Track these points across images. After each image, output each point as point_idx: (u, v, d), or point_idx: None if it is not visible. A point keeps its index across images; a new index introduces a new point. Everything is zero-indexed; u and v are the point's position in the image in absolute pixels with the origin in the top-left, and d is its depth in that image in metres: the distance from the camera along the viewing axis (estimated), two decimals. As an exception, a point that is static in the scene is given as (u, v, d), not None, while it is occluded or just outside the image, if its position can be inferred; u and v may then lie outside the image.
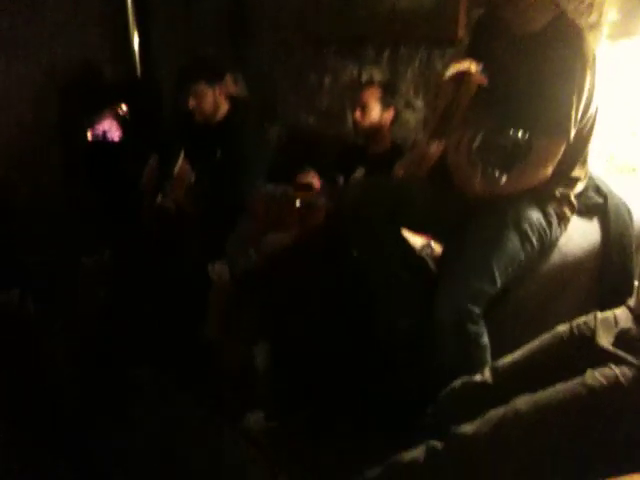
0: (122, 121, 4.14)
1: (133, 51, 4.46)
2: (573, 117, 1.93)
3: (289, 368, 2.37)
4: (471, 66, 2.21)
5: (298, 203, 2.72)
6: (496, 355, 1.89)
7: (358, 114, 2.90)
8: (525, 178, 1.98)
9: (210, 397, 2.47)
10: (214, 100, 3.07)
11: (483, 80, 2.13)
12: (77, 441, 2.21)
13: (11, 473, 1.99)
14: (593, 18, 2.53)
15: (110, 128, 4.17)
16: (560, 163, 2.02)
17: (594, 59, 1.96)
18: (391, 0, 3.27)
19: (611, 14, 2.49)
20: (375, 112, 2.88)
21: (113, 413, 2.36)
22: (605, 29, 2.51)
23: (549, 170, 1.98)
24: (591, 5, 2.53)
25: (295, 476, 2.07)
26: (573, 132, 1.95)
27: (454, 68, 2.25)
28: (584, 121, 2.02)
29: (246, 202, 2.83)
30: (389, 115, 2.91)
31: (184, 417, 2.40)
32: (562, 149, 1.97)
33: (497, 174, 1.71)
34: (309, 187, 2.87)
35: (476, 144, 1.73)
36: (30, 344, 2.57)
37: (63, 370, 2.52)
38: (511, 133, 1.66)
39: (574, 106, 1.92)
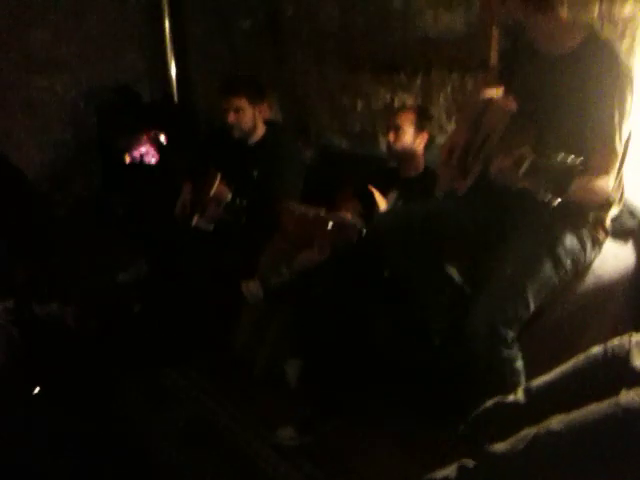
0: (158, 144, 4.23)
1: (171, 76, 4.59)
2: (618, 129, 1.93)
3: (320, 383, 2.39)
4: (496, 92, 2.26)
5: (330, 225, 2.75)
6: (530, 375, 1.89)
7: (392, 136, 2.91)
8: (587, 191, 1.96)
9: (241, 410, 2.51)
10: (253, 118, 3.12)
11: (511, 105, 2.16)
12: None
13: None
14: (626, 43, 2.55)
15: (147, 151, 4.27)
16: None
17: (632, 76, 1.95)
18: (423, 26, 3.32)
19: (644, 40, 2.51)
20: (408, 135, 2.88)
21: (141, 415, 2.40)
22: (638, 55, 2.53)
23: (609, 182, 1.97)
24: (624, 31, 2.55)
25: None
26: (621, 146, 1.95)
27: (481, 95, 2.30)
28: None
29: (280, 221, 2.87)
30: (422, 139, 2.91)
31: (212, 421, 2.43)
32: (616, 164, 1.97)
33: (549, 197, 1.69)
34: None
35: (524, 169, 1.72)
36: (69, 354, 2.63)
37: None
38: (560, 157, 1.65)
39: (617, 119, 1.92)
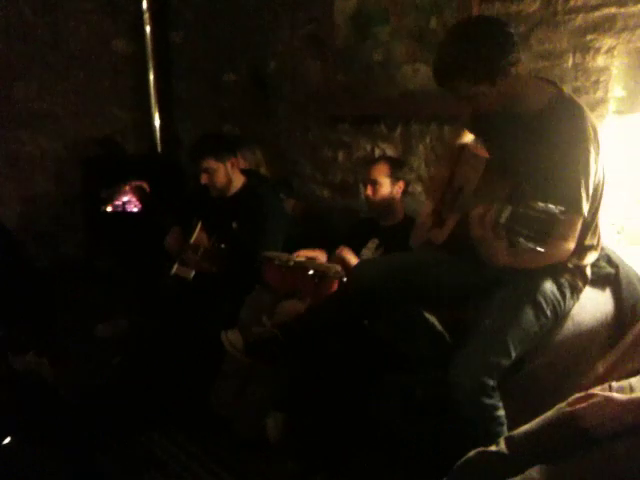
0: (142, 194, 4.25)
1: (155, 128, 4.64)
2: (584, 192, 1.93)
3: (305, 436, 2.35)
4: (469, 138, 2.29)
5: (311, 272, 2.75)
6: (512, 424, 1.87)
7: (370, 189, 2.95)
8: (548, 253, 1.90)
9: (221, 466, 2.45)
10: (226, 174, 3.16)
11: (484, 152, 2.19)
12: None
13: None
14: (599, 95, 2.62)
15: (129, 200, 4.28)
16: None
17: (595, 132, 1.97)
18: (404, 80, 3.40)
19: (617, 90, 2.58)
20: (385, 187, 2.92)
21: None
22: (611, 105, 2.60)
23: (571, 244, 1.98)
24: (597, 82, 2.62)
25: None
26: (587, 206, 1.96)
27: (455, 140, 2.34)
28: (593, 192, 2.02)
29: (261, 271, 2.87)
30: (399, 188, 2.95)
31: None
32: (579, 223, 1.97)
33: (532, 245, 1.68)
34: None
35: (504, 218, 1.71)
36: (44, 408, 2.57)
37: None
38: (540, 206, 1.65)
39: (583, 181, 1.93)
